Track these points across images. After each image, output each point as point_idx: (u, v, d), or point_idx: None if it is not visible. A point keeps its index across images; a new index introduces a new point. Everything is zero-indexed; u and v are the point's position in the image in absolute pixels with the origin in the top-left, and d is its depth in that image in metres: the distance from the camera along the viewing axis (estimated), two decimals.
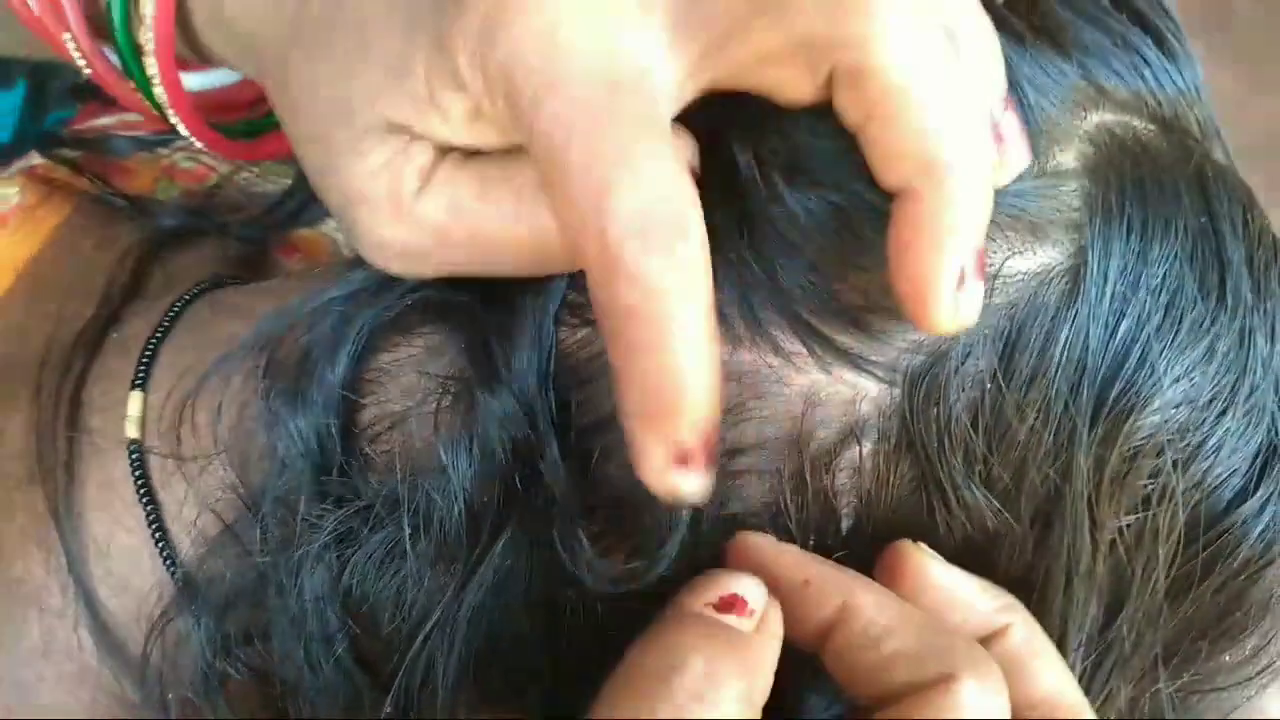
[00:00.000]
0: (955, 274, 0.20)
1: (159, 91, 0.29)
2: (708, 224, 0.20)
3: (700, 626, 0.21)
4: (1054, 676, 0.23)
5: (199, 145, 0.31)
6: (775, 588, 0.22)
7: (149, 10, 0.27)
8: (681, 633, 0.21)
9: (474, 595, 0.24)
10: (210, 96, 0.32)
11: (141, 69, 0.29)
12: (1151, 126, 0.27)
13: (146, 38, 0.28)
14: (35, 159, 0.39)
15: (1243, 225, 0.27)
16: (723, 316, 0.23)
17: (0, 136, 0.43)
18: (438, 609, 0.24)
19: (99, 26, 0.29)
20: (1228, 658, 0.28)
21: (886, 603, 0.22)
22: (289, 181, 0.37)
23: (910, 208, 0.21)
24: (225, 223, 0.36)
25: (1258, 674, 0.29)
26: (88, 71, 0.30)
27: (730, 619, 0.21)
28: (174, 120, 0.30)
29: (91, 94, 0.43)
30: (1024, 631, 0.23)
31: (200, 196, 0.37)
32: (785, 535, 0.24)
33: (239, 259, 0.35)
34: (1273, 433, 0.26)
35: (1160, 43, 0.28)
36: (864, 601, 0.22)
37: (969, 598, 0.23)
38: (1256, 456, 0.26)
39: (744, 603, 0.22)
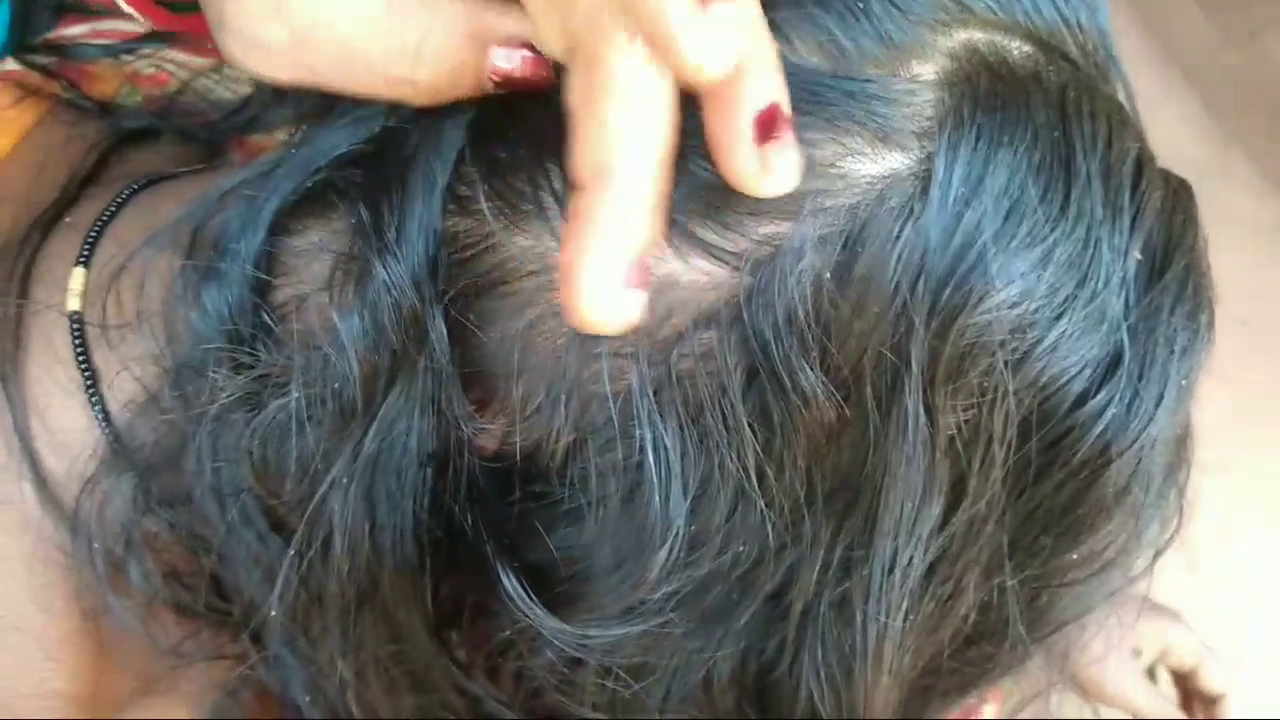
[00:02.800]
0: (748, 134, 0.23)
1: None
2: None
3: None
4: None
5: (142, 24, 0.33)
6: None
7: None
8: None
9: (368, 452, 0.27)
10: None
11: None
12: (1027, 48, 0.29)
13: None
14: (10, 65, 0.42)
15: (1104, 145, 0.29)
16: None
17: None
18: (333, 468, 0.27)
19: None
20: (1074, 555, 0.30)
21: None
22: (248, 90, 0.40)
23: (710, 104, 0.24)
24: (183, 126, 0.38)
25: (1102, 570, 0.31)
26: None
27: None
28: None
29: (70, 9, 0.46)
30: None
31: (161, 101, 0.40)
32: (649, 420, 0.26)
33: (195, 159, 0.38)
34: (1117, 340, 0.28)
35: None
36: None
37: None
38: (1098, 362, 0.28)
39: None
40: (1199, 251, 0.31)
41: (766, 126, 0.23)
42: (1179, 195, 0.31)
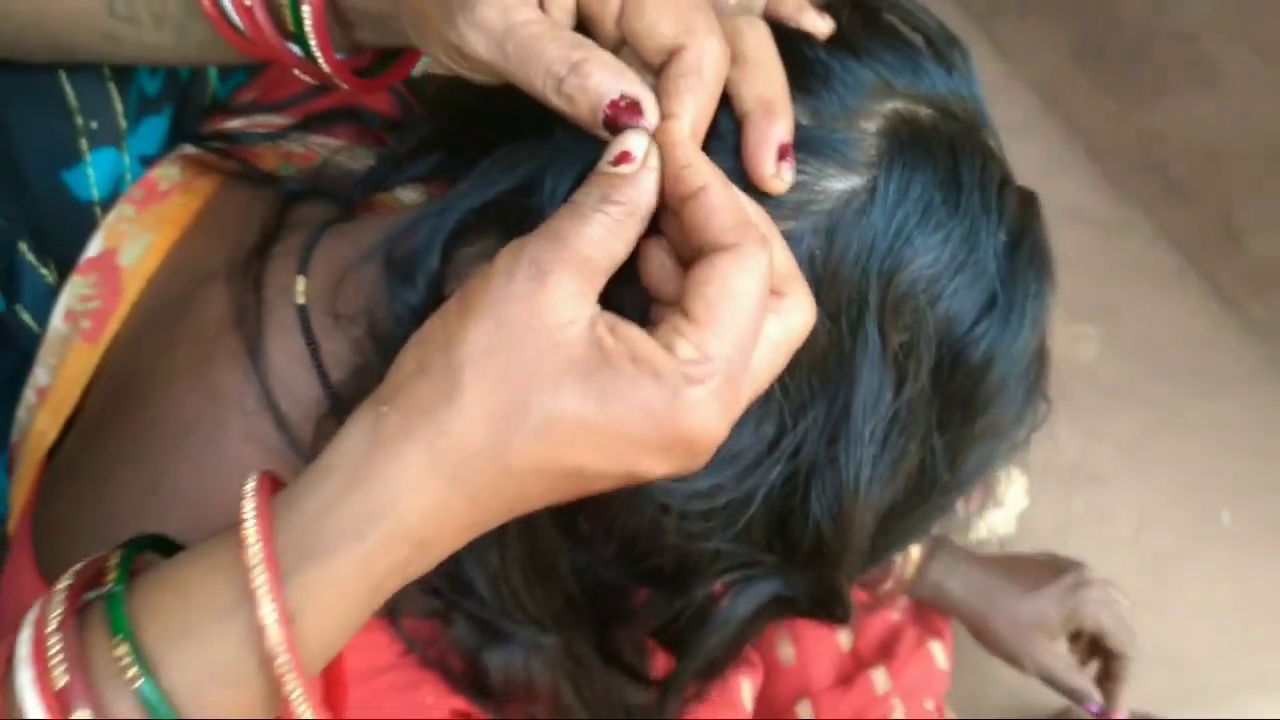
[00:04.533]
0: (773, 158, 0.37)
1: (316, 52, 0.45)
2: None
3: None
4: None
5: (342, 87, 0.46)
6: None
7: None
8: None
9: None
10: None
11: (305, 37, 0.44)
12: (929, 112, 0.44)
13: (304, 8, 0.44)
14: (187, 149, 0.56)
15: (980, 169, 0.43)
16: None
17: (151, 149, 0.59)
18: None
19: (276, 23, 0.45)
20: (975, 427, 0.45)
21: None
22: (371, 163, 0.54)
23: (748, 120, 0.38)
24: (330, 188, 0.52)
25: (993, 437, 0.46)
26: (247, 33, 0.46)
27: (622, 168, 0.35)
28: (322, 64, 0.45)
29: (221, 108, 0.60)
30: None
31: (311, 172, 0.54)
32: None
33: (337, 212, 0.52)
34: (993, 289, 0.43)
35: (941, 55, 0.45)
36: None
37: None
38: (981, 302, 0.42)
39: (630, 155, 0.36)
40: (1042, 234, 0.46)
41: (782, 155, 0.38)
42: (1028, 201, 0.46)
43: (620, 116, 0.36)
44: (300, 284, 0.45)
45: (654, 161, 0.36)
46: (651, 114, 0.36)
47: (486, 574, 0.44)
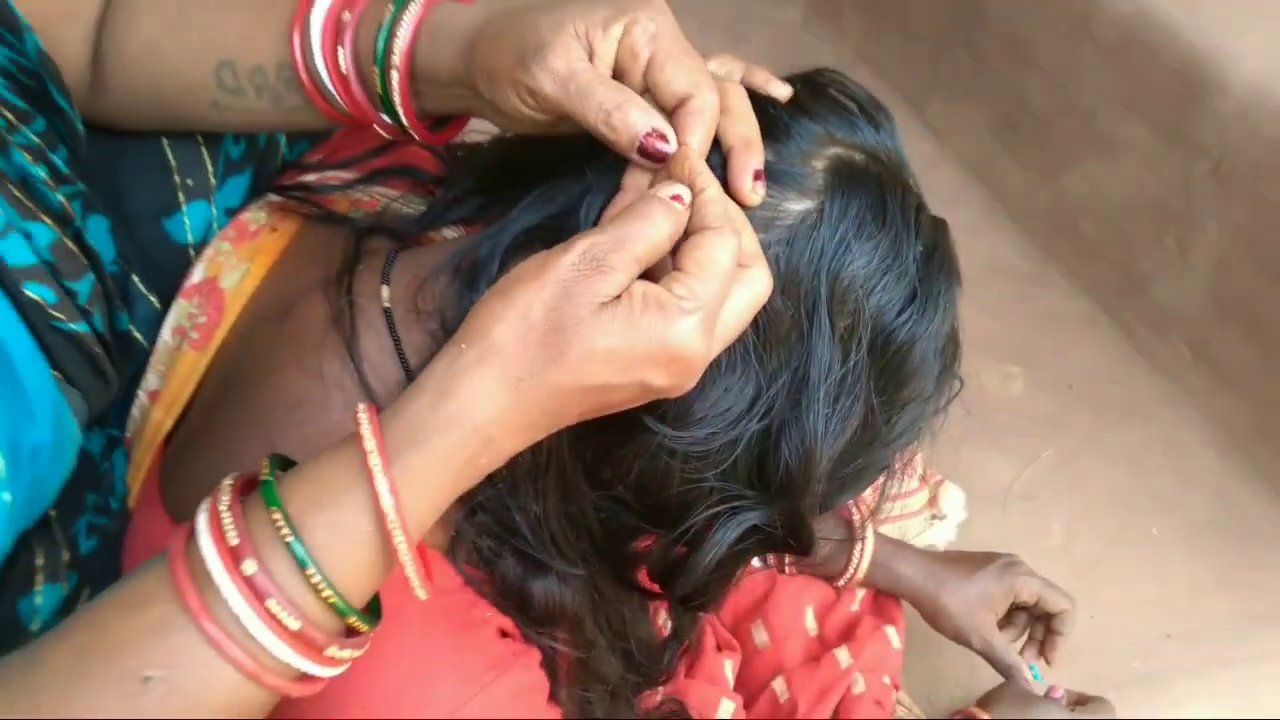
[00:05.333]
0: (750, 178, 0.51)
1: (399, 111, 0.58)
2: None
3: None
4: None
5: (415, 142, 0.60)
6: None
7: (397, 60, 0.57)
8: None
9: None
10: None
11: (386, 88, 0.58)
12: (861, 156, 0.58)
13: (393, 65, 0.57)
14: (271, 198, 0.69)
15: (901, 198, 0.57)
16: None
17: (234, 202, 0.72)
18: None
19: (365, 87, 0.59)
20: (905, 392, 0.58)
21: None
22: (423, 208, 0.67)
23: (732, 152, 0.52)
24: (391, 226, 0.65)
25: (920, 402, 0.59)
26: (340, 101, 0.60)
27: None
28: (403, 119, 0.58)
29: (294, 167, 0.74)
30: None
31: (376, 214, 0.67)
32: None
33: (399, 244, 0.65)
34: (913, 286, 0.56)
35: (870, 117, 0.59)
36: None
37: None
38: (905, 296, 0.56)
39: (681, 199, 0.49)
40: (950, 247, 0.59)
41: (756, 178, 0.51)
42: (939, 223, 0.60)
43: (651, 144, 0.50)
44: (385, 292, 0.58)
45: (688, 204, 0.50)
46: (673, 142, 0.50)
47: (529, 519, 0.57)
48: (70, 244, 0.57)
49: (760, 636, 0.96)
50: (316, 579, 0.44)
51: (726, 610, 0.98)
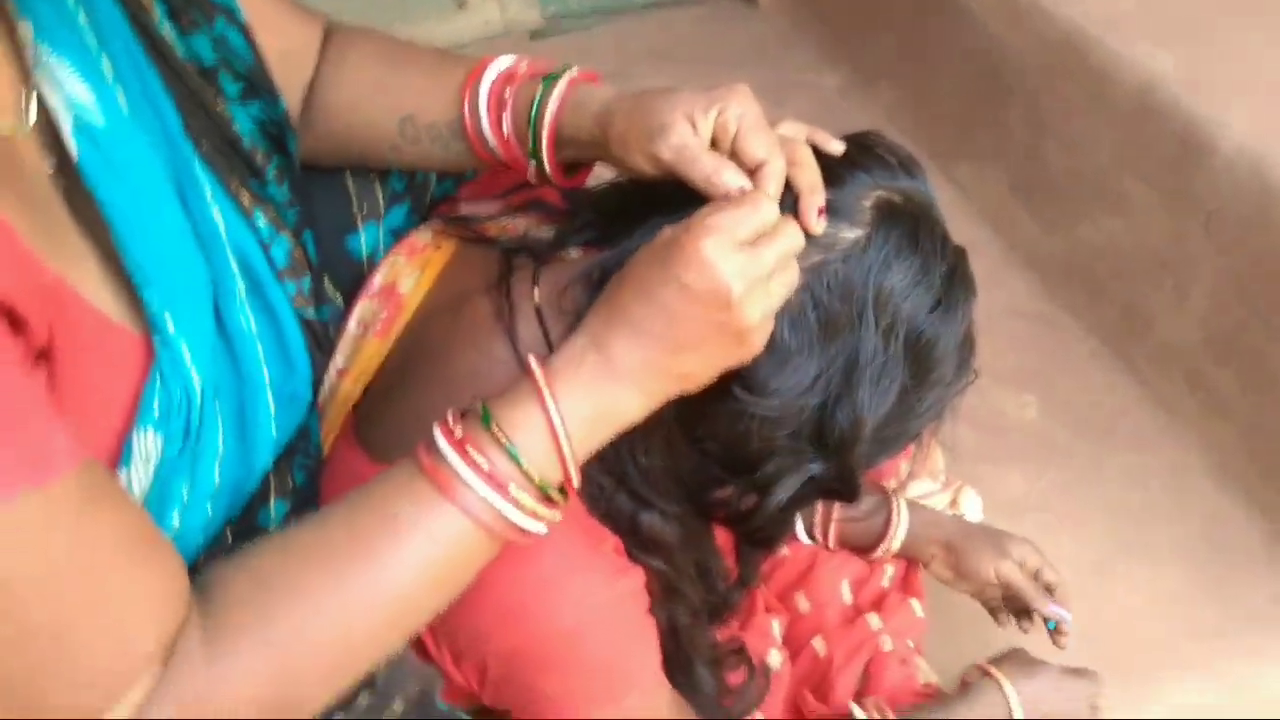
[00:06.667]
0: (816, 212, 0.70)
1: (545, 164, 0.77)
2: None
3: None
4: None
5: (550, 184, 0.79)
6: None
7: (546, 126, 0.76)
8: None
9: None
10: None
11: (537, 147, 0.77)
12: (900, 197, 0.76)
13: (543, 132, 0.76)
14: (435, 223, 0.89)
15: (930, 229, 0.75)
16: None
17: (397, 224, 0.92)
18: None
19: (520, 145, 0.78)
20: (933, 375, 0.75)
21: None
22: (553, 235, 0.86)
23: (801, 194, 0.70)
24: (530, 247, 0.84)
25: (943, 386, 0.76)
26: (500, 153, 0.79)
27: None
28: (547, 170, 0.78)
29: (444, 201, 0.93)
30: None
31: (517, 238, 0.86)
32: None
33: (537, 261, 0.83)
34: (938, 296, 0.74)
35: (906, 168, 0.77)
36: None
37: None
38: (932, 303, 0.74)
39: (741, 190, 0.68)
40: (967, 268, 0.77)
41: (820, 213, 0.69)
42: (960, 250, 0.78)
43: (736, 195, 0.68)
44: (536, 294, 0.77)
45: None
46: None
47: (639, 467, 0.75)
48: (298, 252, 0.76)
49: (803, 604, 1.13)
50: (524, 463, 0.62)
51: (775, 581, 1.15)
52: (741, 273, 0.63)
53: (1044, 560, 1.14)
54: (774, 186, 0.69)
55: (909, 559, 1.17)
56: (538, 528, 0.64)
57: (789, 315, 0.71)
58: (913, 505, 1.16)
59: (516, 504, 0.62)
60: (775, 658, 1.05)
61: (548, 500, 0.64)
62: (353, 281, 0.88)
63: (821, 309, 0.71)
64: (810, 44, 2.21)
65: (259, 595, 0.59)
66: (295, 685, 0.59)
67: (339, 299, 0.86)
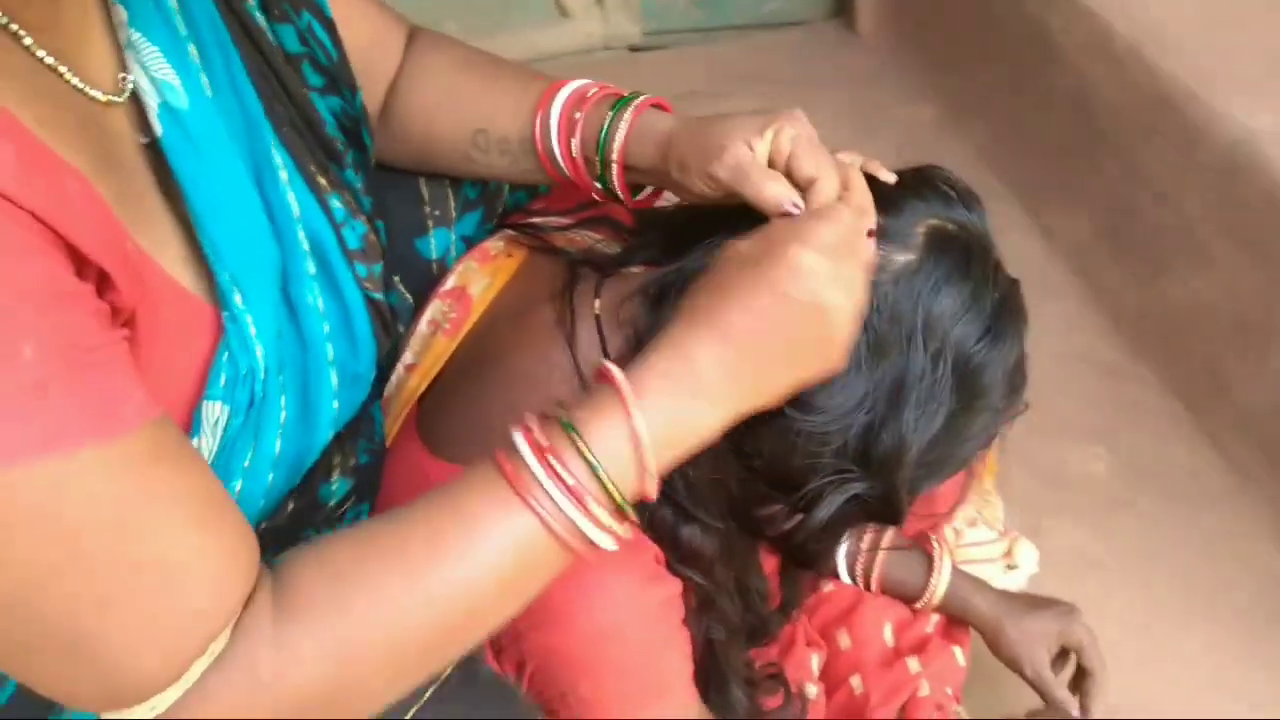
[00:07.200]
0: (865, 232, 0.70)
1: (614, 187, 0.79)
2: None
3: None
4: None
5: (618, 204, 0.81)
6: None
7: (615, 152, 0.78)
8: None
9: None
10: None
11: (604, 171, 0.79)
12: (954, 226, 0.76)
13: (612, 158, 0.79)
14: (507, 232, 0.91)
15: (982, 256, 0.76)
16: None
17: (469, 231, 0.95)
18: None
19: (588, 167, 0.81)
20: (978, 404, 0.76)
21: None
22: (619, 250, 0.88)
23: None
24: (595, 259, 0.86)
25: (992, 413, 0.76)
26: (568, 172, 0.81)
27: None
28: (616, 189, 0.80)
29: (516, 211, 0.96)
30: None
31: (584, 251, 0.88)
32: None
33: (602, 274, 0.86)
34: (988, 324, 0.74)
35: (965, 201, 0.78)
36: None
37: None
38: (982, 332, 0.74)
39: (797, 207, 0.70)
40: (1020, 299, 0.77)
41: (869, 235, 0.71)
42: (1013, 281, 0.78)
43: (789, 210, 0.70)
44: (597, 304, 0.79)
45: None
46: (803, 209, 0.71)
47: (685, 480, 0.76)
48: (372, 237, 0.79)
49: (844, 641, 1.13)
50: (603, 476, 0.61)
51: (819, 616, 1.15)
52: (840, 285, 0.64)
53: (1090, 641, 1.12)
54: (824, 202, 0.70)
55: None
56: (608, 544, 0.63)
57: None
58: (958, 574, 1.15)
59: (592, 518, 0.61)
60: (810, 690, 1.06)
61: (621, 515, 0.64)
62: (419, 281, 0.91)
63: (871, 329, 0.73)
64: (908, 74, 2.20)
65: (333, 586, 0.59)
66: (360, 679, 0.60)
67: (407, 296, 0.89)
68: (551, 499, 0.60)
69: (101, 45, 0.62)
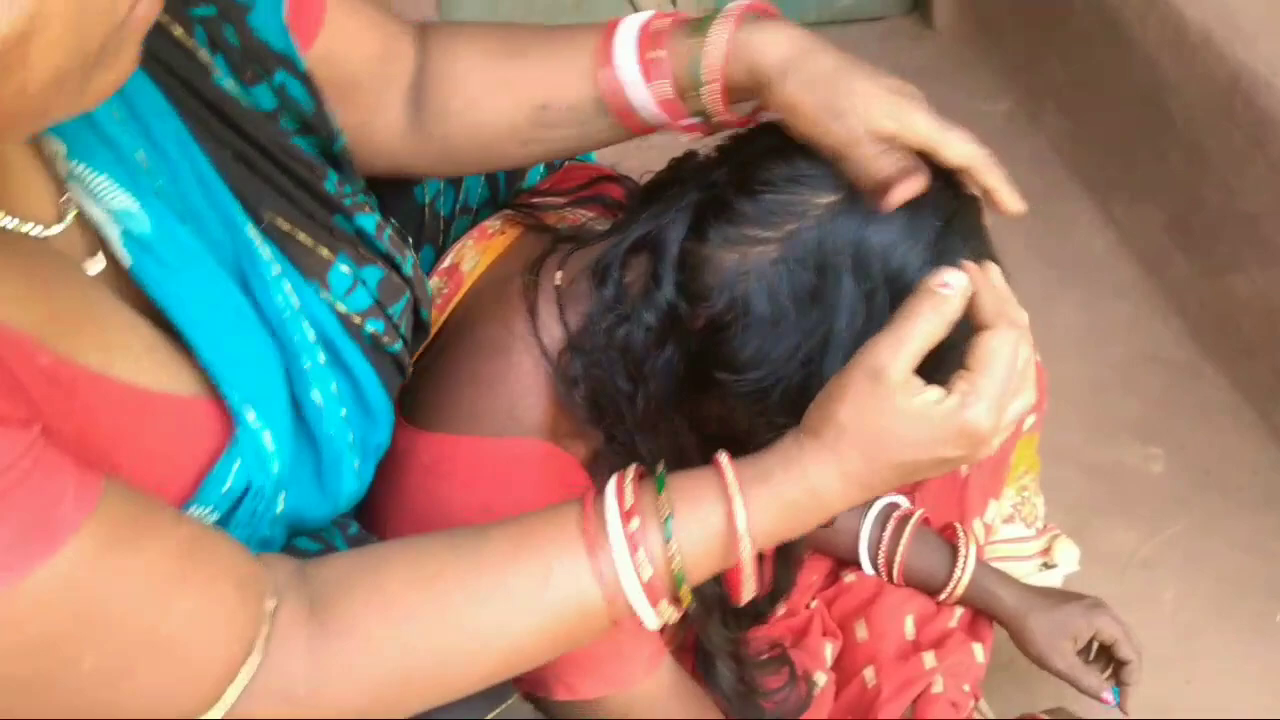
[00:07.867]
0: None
1: (711, 105, 0.77)
2: None
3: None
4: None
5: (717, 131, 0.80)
6: None
7: (717, 79, 0.75)
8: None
9: (660, 363, 0.74)
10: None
11: (699, 99, 0.77)
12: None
13: (715, 89, 0.76)
14: (506, 212, 0.93)
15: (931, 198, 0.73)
16: None
17: (480, 198, 0.97)
18: (646, 363, 0.74)
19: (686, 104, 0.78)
20: (957, 353, 0.72)
21: None
22: (608, 227, 0.88)
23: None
24: (584, 235, 0.87)
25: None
26: (656, 118, 0.80)
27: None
28: (715, 116, 0.78)
29: (523, 193, 0.98)
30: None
31: (576, 227, 0.90)
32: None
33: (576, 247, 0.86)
34: (930, 252, 0.71)
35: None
36: None
37: None
38: (922, 262, 0.71)
39: (949, 284, 0.63)
40: (972, 219, 0.75)
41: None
42: (964, 199, 0.74)
43: (894, 183, 0.70)
44: (558, 276, 0.81)
45: (967, 291, 0.64)
46: (914, 184, 0.71)
47: (650, 449, 0.77)
48: (394, 277, 0.75)
49: (861, 632, 1.11)
50: (673, 548, 0.61)
51: (837, 606, 1.13)
52: (1000, 424, 0.63)
53: (1122, 634, 1.08)
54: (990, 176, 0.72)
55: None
56: (652, 621, 0.63)
57: (766, 288, 0.72)
58: (983, 566, 1.12)
59: (641, 582, 0.61)
60: (820, 678, 1.04)
61: (675, 600, 0.63)
62: (413, 229, 0.93)
63: (796, 281, 0.71)
64: (983, 69, 2.15)
65: (384, 616, 0.59)
66: (400, 700, 0.60)
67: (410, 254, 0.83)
68: (611, 556, 0.61)
69: (37, 178, 0.59)
